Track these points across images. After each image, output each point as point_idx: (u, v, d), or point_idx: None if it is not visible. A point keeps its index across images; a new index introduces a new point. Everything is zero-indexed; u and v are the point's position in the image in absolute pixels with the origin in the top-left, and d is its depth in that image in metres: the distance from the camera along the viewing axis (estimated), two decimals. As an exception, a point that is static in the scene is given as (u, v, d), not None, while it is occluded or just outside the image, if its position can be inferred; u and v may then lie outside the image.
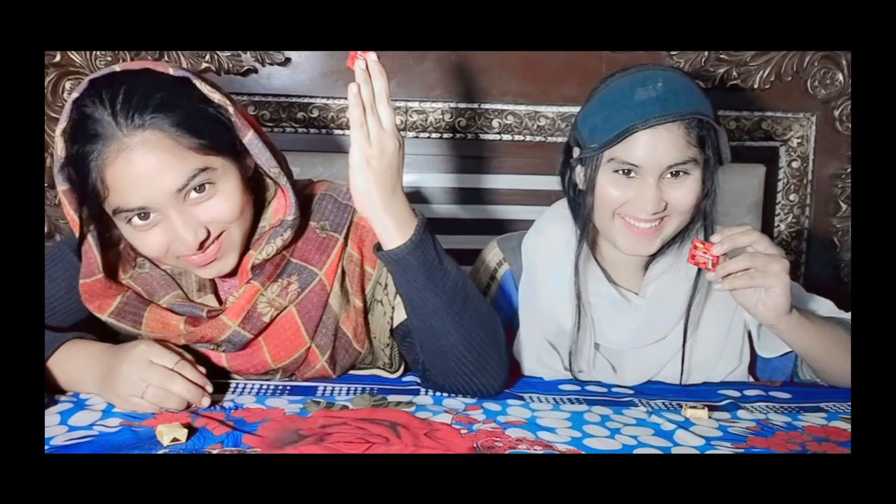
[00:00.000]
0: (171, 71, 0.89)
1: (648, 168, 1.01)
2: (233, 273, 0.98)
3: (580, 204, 1.08)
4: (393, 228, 0.89)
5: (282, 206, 0.98)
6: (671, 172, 1.01)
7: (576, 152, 1.09)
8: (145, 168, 0.85)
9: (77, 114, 0.87)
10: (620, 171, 1.03)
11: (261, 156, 0.93)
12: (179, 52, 1.53)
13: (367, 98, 0.87)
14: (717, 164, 1.05)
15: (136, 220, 0.88)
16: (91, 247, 0.94)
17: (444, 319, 0.91)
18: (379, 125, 0.87)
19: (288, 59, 1.57)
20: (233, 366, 1.00)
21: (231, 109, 0.91)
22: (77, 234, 0.93)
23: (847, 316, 1.10)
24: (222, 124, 0.90)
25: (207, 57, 1.54)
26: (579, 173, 1.09)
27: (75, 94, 0.88)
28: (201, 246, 0.90)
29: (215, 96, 0.90)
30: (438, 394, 0.98)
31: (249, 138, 0.92)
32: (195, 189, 0.88)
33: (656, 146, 0.99)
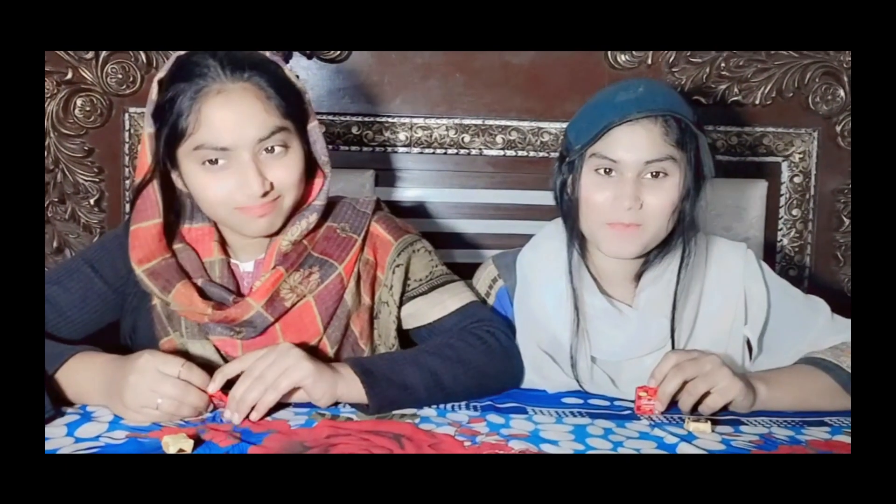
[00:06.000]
0: (267, 54, 1.00)
1: (627, 164, 1.04)
2: (255, 265, 1.07)
3: (571, 211, 1.12)
4: (355, 396, 0.94)
5: (311, 193, 1.05)
6: (651, 173, 1.05)
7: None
8: (239, 111, 0.94)
9: (179, 64, 0.96)
10: (602, 171, 1.06)
11: (318, 142, 1.05)
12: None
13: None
14: (703, 177, 1.08)
15: (209, 163, 0.95)
16: (155, 191, 1.00)
17: (437, 401, 0.99)
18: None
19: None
20: None
21: (305, 97, 1.03)
22: (142, 179, 0.99)
23: (830, 343, 1.11)
24: (300, 101, 1.02)
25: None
26: (569, 182, 1.12)
27: (180, 53, 0.97)
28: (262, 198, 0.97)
29: (298, 83, 1.02)
30: (442, 406, 0.99)
31: (313, 125, 1.05)
32: (267, 150, 0.97)
33: (635, 142, 1.04)
